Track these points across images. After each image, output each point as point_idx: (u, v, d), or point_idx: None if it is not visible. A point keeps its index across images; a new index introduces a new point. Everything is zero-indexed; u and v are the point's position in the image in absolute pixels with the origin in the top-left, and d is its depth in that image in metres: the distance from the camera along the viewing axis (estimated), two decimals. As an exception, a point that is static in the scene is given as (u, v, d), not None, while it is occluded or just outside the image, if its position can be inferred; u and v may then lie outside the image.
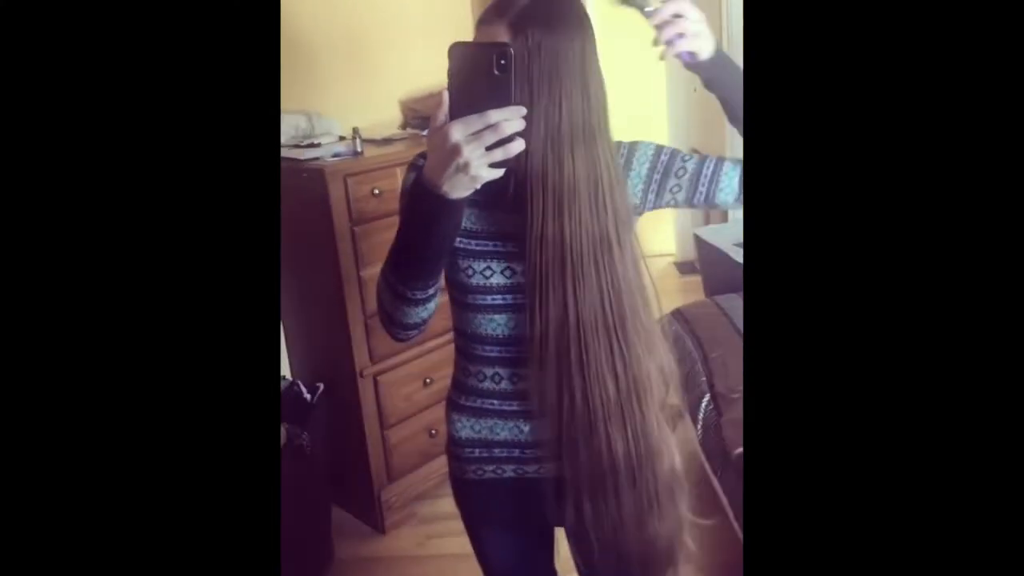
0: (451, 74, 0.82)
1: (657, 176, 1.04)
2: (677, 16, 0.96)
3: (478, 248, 1.01)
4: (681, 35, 0.97)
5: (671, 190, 1.05)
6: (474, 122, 0.80)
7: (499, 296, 1.02)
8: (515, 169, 0.89)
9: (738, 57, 0.94)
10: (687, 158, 1.05)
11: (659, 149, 1.05)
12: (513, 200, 0.95)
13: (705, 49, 0.99)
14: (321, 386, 2.23)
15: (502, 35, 0.91)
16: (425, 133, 2.40)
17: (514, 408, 1.07)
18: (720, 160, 1.05)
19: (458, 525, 1.25)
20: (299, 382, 2.23)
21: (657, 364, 1.00)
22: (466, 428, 1.11)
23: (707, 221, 4.01)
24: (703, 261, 3.04)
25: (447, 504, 2.43)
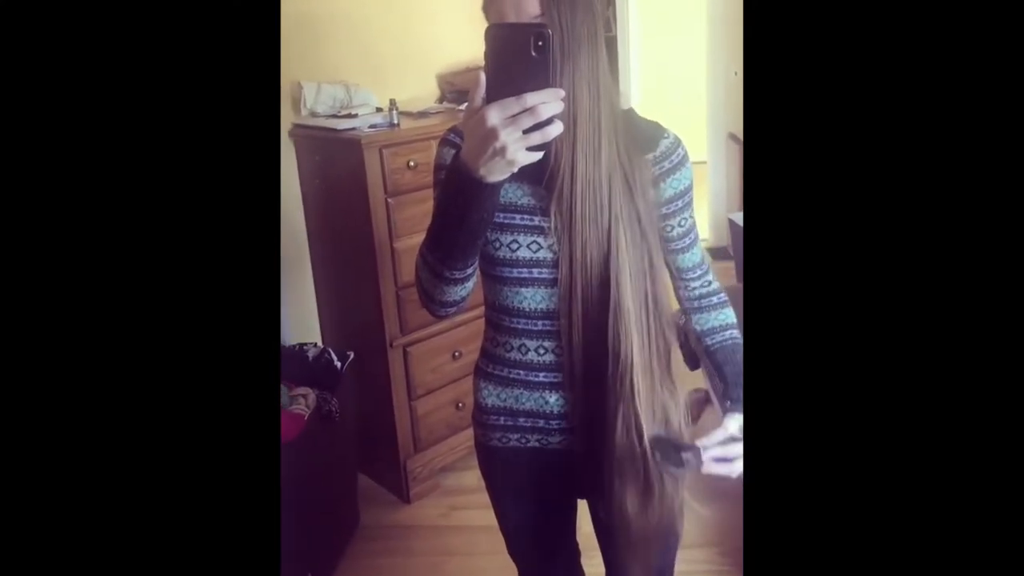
0: (488, 55, 0.81)
1: (675, 206, 1.05)
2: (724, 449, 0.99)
3: (505, 221, 1.02)
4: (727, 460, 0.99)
5: (669, 223, 1.06)
6: (511, 105, 0.79)
7: (525, 269, 1.02)
8: (551, 149, 0.89)
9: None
10: (693, 214, 1.09)
11: (691, 186, 1.06)
12: (542, 175, 0.96)
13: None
14: (351, 354, 2.26)
15: (532, 4, 0.90)
16: (461, 107, 2.39)
17: (539, 379, 1.08)
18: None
19: (481, 499, 1.26)
20: (330, 350, 2.26)
21: (672, 338, 1.03)
22: (492, 396, 1.13)
23: (742, 207, 3.97)
24: (737, 247, 3.02)
25: (471, 477, 2.47)
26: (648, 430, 0.98)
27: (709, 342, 1.13)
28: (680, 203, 1.05)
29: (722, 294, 1.14)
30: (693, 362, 1.05)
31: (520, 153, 0.81)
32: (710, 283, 1.14)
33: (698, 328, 1.15)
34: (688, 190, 1.05)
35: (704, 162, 4.41)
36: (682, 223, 1.07)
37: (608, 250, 0.96)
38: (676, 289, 1.14)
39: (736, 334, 1.11)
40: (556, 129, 0.81)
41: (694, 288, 1.13)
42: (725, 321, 1.13)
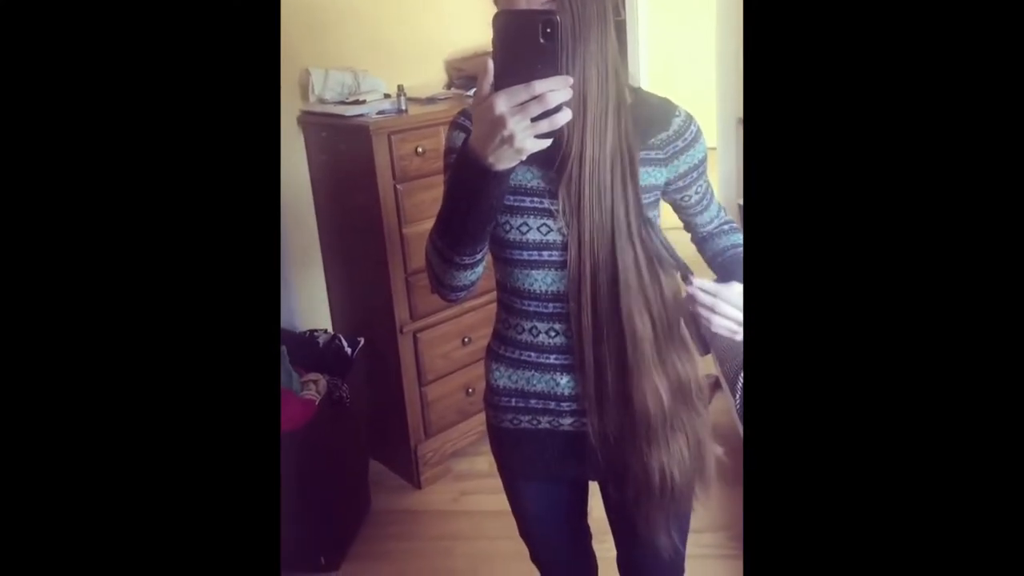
0: (496, 42, 0.81)
1: (691, 178, 1.07)
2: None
3: (515, 204, 1.02)
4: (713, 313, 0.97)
5: (687, 194, 1.10)
6: (519, 93, 0.79)
7: (535, 252, 1.03)
8: (561, 133, 0.90)
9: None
10: (707, 177, 1.12)
11: (706, 156, 1.08)
12: (551, 158, 0.95)
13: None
14: (362, 340, 2.26)
15: None
16: (469, 93, 2.39)
17: (550, 361, 1.08)
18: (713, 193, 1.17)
19: (491, 483, 1.26)
20: (340, 336, 2.27)
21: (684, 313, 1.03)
22: (503, 377, 1.13)
23: (753, 190, 3.94)
24: (747, 230, 3.00)
25: (482, 462, 2.48)
26: (665, 396, 0.99)
27: (720, 259, 1.17)
28: (695, 174, 1.07)
29: (732, 221, 1.19)
30: (703, 347, 1.04)
31: (528, 141, 0.81)
32: (722, 216, 1.19)
33: (710, 252, 1.18)
34: (703, 160, 1.08)
35: (714, 148, 4.39)
36: (699, 190, 1.11)
37: (613, 230, 0.96)
38: (689, 228, 1.19)
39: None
40: (564, 116, 0.81)
41: (706, 225, 1.18)
42: (736, 241, 1.17)
